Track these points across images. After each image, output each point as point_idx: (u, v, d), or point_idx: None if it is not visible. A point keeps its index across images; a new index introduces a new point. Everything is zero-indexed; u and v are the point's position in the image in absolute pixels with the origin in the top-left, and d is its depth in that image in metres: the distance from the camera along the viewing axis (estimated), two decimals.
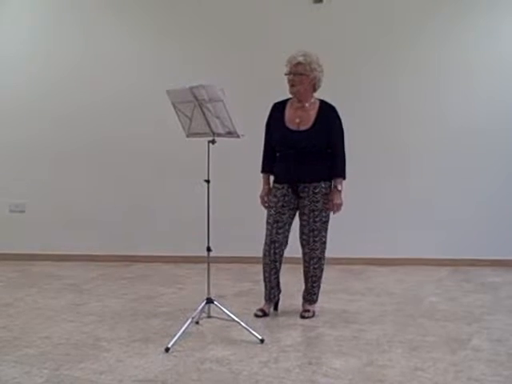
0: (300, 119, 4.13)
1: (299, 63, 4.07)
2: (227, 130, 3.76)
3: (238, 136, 3.76)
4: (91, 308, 4.50)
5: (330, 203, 4.13)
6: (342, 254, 5.96)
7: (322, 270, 4.24)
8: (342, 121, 4.16)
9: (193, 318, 3.78)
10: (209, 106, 3.69)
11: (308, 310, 4.23)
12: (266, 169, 4.31)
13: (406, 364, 3.29)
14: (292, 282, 4.57)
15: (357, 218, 6.06)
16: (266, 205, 4.26)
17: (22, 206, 6.54)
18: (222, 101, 3.63)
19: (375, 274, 5.71)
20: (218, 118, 3.72)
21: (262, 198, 4.30)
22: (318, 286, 4.27)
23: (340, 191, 4.14)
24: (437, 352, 3.47)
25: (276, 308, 4.35)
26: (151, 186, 6.36)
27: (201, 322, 3.98)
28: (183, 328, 3.63)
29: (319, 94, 4.20)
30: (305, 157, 4.08)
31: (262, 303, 4.31)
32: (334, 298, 4.69)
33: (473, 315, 4.25)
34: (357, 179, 5.94)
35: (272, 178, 4.29)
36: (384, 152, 6.09)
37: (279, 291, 4.32)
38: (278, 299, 4.35)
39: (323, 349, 3.60)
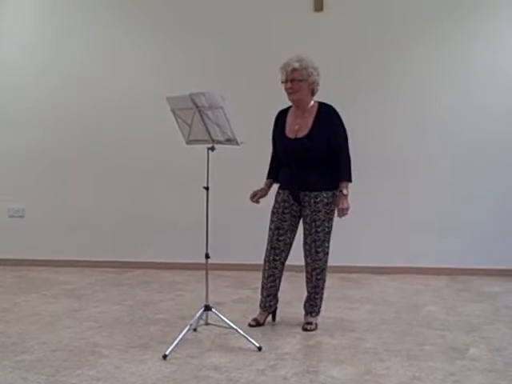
0: (299, 126, 4.08)
1: (295, 69, 4.00)
2: (226, 137, 3.76)
3: (237, 143, 3.76)
4: (89, 314, 4.50)
5: (336, 208, 4.04)
6: (341, 263, 5.94)
7: (324, 281, 4.15)
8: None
9: (191, 325, 3.78)
10: (208, 113, 3.69)
11: (311, 323, 4.12)
12: (269, 176, 4.29)
13: (404, 373, 3.28)
14: (291, 290, 4.57)
15: (356, 227, 6.04)
16: (253, 200, 4.20)
17: (21, 211, 6.55)
18: (222, 108, 3.64)
19: (374, 282, 5.71)
20: (217, 125, 3.72)
21: (254, 193, 4.22)
22: (321, 298, 4.18)
23: (346, 195, 4.02)
24: (434, 361, 3.47)
25: (274, 318, 4.29)
26: (150, 192, 6.37)
27: (199, 329, 3.98)
28: (181, 335, 3.63)
29: (318, 97, 4.16)
30: (305, 164, 4.02)
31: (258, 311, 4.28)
32: (332, 307, 4.68)
33: (471, 324, 4.25)
34: (356, 187, 5.98)
35: (273, 184, 4.27)
36: (383, 160, 6.09)
37: (276, 301, 4.26)
38: (276, 309, 4.29)
39: (321, 357, 3.59)
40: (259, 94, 5.98)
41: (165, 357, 3.48)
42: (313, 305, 4.17)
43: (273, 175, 4.27)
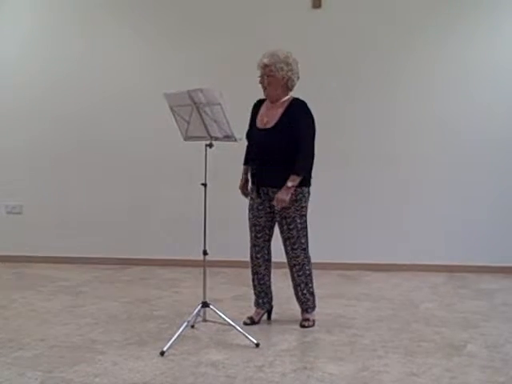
0: (267, 119, 4.05)
1: (265, 65, 4.01)
2: (224, 133, 3.76)
3: (235, 140, 3.76)
4: (87, 310, 4.50)
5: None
6: (339, 259, 5.96)
7: (307, 276, 4.07)
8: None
9: (188, 322, 3.77)
10: (206, 109, 3.69)
11: (307, 319, 4.10)
12: (246, 162, 4.25)
13: (401, 369, 3.29)
14: (288, 287, 4.55)
15: (353, 223, 6.06)
16: (244, 195, 4.23)
17: (18, 207, 6.53)
18: (220, 104, 3.63)
19: (371, 279, 5.71)
20: (215, 121, 3.72)
21: (240, 188, 4.27)
22: (310, 293, 4.11)
23: (289, 188, 3.85)
24: (432, 358, 3.47)
25: (269, 317, 4.25)
26: (148, 189, 6.36)
27: (196, 325, 3.97)
28: (179, 332, 3.63)
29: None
30: (270, 158, 3.95)
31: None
32: (330, 303, 4.68)
33: (468, 321, 4.25)
34: (354, 184, 6.01)
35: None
36: (382, 157, 6.07)
37: (269, 299, 4.22)
38: (271, 308, 4.24)
39: (319, 353, 3.59)
40: (257, 91, 5.95)
41: (162, 353, 3.48)
42: (305, 301, 4.12)
43: (248, 161, 4.24)
